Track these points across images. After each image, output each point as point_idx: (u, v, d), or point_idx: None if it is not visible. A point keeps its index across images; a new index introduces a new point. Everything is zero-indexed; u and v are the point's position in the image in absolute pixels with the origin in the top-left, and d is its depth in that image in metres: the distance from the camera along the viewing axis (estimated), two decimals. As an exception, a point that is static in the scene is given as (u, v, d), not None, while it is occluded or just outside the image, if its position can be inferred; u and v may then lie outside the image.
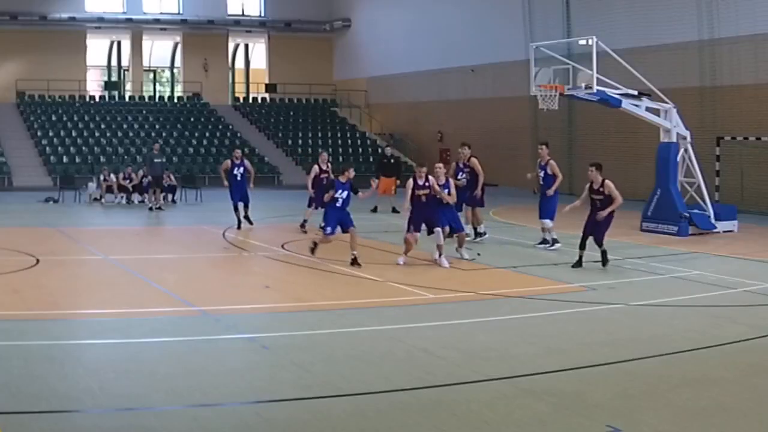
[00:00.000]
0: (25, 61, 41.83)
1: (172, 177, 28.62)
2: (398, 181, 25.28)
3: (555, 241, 17.43)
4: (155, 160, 26.21)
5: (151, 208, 25.48)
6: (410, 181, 15.17)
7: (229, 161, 21.00)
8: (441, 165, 15.89)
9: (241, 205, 20.31)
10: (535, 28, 33.86)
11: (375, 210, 24.65)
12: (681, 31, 27.86)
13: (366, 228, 20.65)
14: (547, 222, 17.51)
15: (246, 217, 20.34)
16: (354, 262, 14.65)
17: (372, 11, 45.03)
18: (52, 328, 10.15)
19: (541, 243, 17.64)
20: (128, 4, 44.18)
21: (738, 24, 26.34)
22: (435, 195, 15.02)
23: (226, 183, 20.70)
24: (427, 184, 15.06)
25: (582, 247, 15.08)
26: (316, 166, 20.36)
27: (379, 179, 25.31)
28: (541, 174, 17.78)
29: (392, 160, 26.40)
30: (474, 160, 18.27)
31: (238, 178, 20.53)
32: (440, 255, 14.95)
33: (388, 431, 6.93)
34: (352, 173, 15.29)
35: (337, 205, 15.03)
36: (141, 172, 27.79)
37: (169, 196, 27.65)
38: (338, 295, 12.54)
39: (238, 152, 21.57)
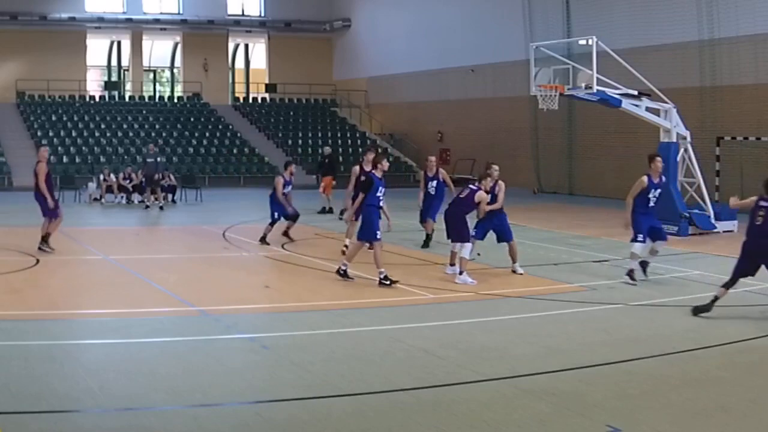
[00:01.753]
0: (25, 61, 41.84)
1: (172, 177, 28.65)
2: (335, 181, 25.28)
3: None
4: (148, 160, 26.61)
5: (147, 207, 25.62)
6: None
7: (281, 178, 17.72)
8: (496, 166, 14.52)
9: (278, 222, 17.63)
10: (535, 28, 33.87)
11: (323, 211, 24.29)
12: (681, 31, 27.87)
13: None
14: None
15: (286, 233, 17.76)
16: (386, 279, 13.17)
17: (372, 11, 45.04)
18: (52, 328, 10.14)
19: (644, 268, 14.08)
20: (128, 4, 44.19)
21: (738, 24, 26.35)
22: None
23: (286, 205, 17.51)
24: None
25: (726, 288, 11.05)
26: (357, 167, 17.27)
27: (319, 179, 25.38)
28: (657, 193, 13.96)
29: (327, 160, 26.00)
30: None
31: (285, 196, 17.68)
32: (461, 271, 13.54)
33: (388, 431, 6.93)
34: (386, 165, 13.95)
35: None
36: (141, 172, 27.86)
37: (169, 196, 27.68)
38: (338, 295, 12.53)
39: (293, 167, 18.15)
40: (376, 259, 13.15)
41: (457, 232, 13.85)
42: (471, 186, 14.19)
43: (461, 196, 14.13)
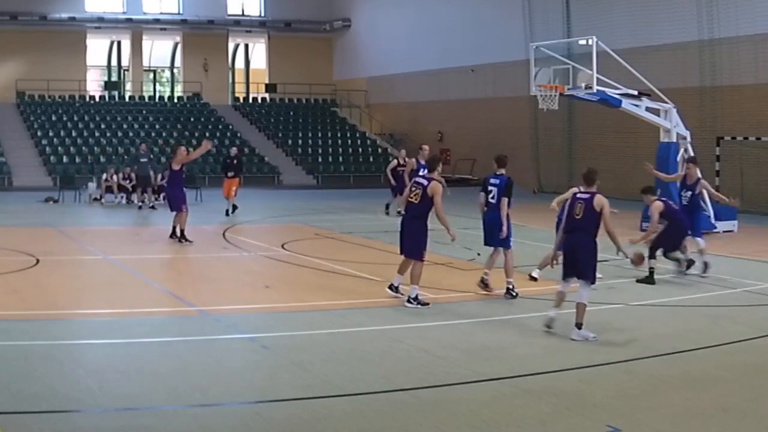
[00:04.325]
0: (25, 61, 41.85)
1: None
2: (240, 182, 24.97)
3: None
4: (141, 160, 26.58)
5: (140, 207, 25.64)
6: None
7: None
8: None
9: None
10: (535, 28, 33.88)
11: (228, 213, 23.81)
12: (681, 31, 27.88)
13: (367, 228, 20.67)
14: None
15: None
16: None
17: (372, 11, 45.05)
18: (52, 328, 10.14)
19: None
20: (128, 4, 44.21)
21: (738, 24, 26.36)
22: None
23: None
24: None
25: None
26: (395, 160, 22.74)
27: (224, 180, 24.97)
28: None
29: (236, 161, 25.08)
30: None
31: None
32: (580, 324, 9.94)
33: (388, 431, 6.93)
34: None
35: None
36: (132, 172, 27.80)
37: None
38: (338, 295, 12.53)
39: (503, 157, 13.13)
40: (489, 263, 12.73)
41: (583, 265, 10.08)
42: (580, 196, 10.18)
43: (577, 215, 10.05)
